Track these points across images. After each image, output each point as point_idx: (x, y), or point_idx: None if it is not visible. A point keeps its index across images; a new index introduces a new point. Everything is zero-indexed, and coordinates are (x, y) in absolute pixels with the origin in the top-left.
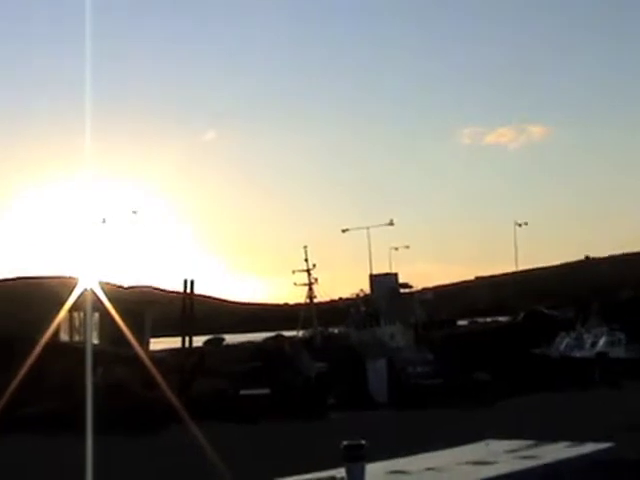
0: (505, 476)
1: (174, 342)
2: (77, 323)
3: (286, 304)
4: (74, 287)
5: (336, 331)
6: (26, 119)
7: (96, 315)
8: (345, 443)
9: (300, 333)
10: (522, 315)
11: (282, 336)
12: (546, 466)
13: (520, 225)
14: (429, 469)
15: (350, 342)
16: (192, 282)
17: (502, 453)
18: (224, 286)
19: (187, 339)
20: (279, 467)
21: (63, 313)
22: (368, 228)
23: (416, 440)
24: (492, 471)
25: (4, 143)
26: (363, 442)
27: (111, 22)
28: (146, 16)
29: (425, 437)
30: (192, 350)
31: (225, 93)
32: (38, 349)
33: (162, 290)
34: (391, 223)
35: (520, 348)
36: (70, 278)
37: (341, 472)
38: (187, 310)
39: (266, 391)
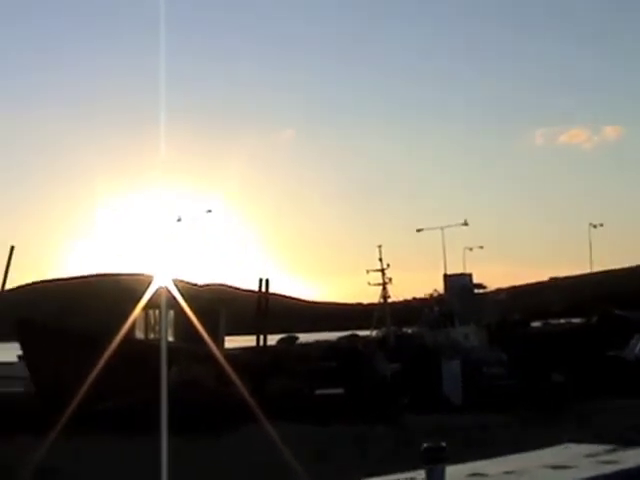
0: None
1: (248, 340)
2: (152, 321)
3: (359, 304)
4: (149, 284)
5: (409, 331)
6: (103, 117)
7: (171, 313)
8: (425, 445)
9: (373, 333)
10: (596, 317)
11: (356, 335)
12: (628, 471)
13: (595, 226)
14: (508, 472)
15: (424, 342)
16: (267, 281)
17: (582, 457)
18: (298, 285)
19: (261, 338)
20: (358, 469)
21: (138, 310)
22: (442, 228)
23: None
24: (573, 475)
25: (83, 140)
26: (444, 444)
27: (186, 19)
28: (222, 13)
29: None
30: (266, 349)
31: (303, 92)
32: (113, 346)
33: (236, 288)
34: (465, 223)
35: (594, 350)
36: (145, 275)
37: (421, 474)
38: (262, 308)
39: (340, 391)
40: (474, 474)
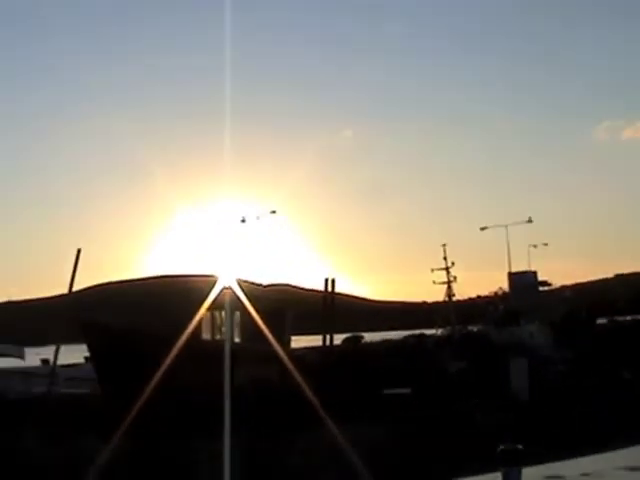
0: None
1: (314, 340)
2: (218, 321)
3: (424, 302)
4: (214, 285)
5: (475, 329)
6: (171, 119)
7: (237, 314)
8: (501, 447)
9: (439, 331)
10: None
11: (424, 335)
12: None
13: None
14: (585, 474)
15: (490, 340)
16: (333, 281)
17: None
18: (362, 284)
19: (328, 338)
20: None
21: (204, 311)
22: (507, 226)
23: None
24: None
25: (151, 142)
26: (520, 446)
27: (251, 21)
28: (284, 13)
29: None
30: (332, 348)
31: (362, 92)
32: (181, 347)
33: (300, 288)
34: (530, 220)
35: None
36: (211, 277)
37: (497, 476)
38: (328, 309)
39: (407, 390)
40: (550, 476)
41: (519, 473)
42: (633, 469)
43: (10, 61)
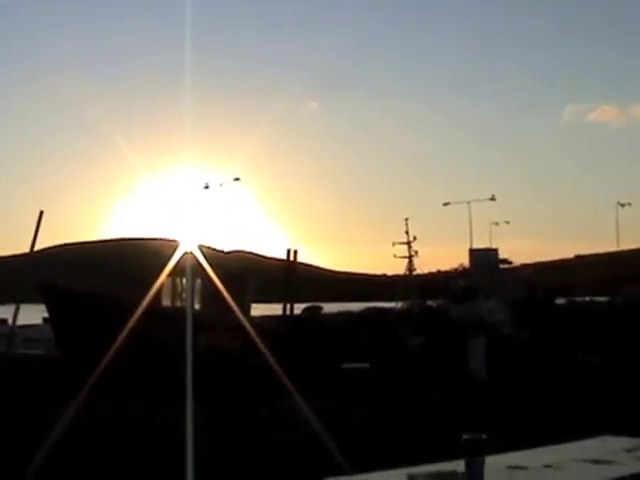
0: (631, 476)
1: (273, 309)
2: (179, 288)
3: (384, 275)
4: (176, 249)
5: (434, 304)
6: (131, 89)
7: (198, 281)
8: (465, 436)
9: (399, 305)
10: (621, 298)
11: (384, 308)
12: None
13: (623, 205)
14: (547, 466)
15: (448, 316)
16: (295, 252)
17: (621, 451)
18: (323, 254)
19: (288, 306)
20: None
21: (165, 277)
22: (469, 202)
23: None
24: (614, 471)
25: (112, 105)
26: (484, 436)
27: None
28: None
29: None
30: (290, 318)
31: (327, 63)
32: (141, 313)
33: (261, 256)
34: (493, 198)
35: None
36: (171, 241)
37: (459, 465)
38: (289, 279)
39: (366, 365)
40: (513, 467)
41: (482, 463)
42: (595, 462)
43: None
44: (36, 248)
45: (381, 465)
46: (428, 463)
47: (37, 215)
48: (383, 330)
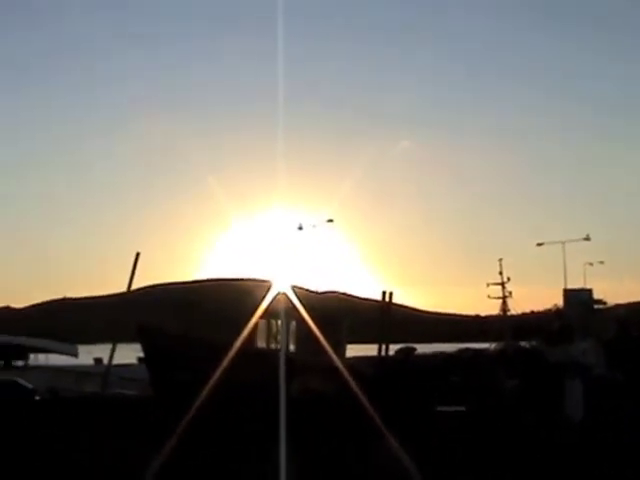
0: None
1: (367, 349)
2: (274, 330)
3: (477, 316)
4: (269, 290)
5: (527, 345)
6: (226, 130)
7: (293, 323)
8: None
9: (492, 346)
10: None
11: (479, 350)
12: None
13: None
14: None
15: (543, 358)
16: (391, 294)
17: None
18: (416, 295)
19: (383, 347)
20: None
21: (259, 318)
22: (564, 242)
23: None
24: None
25: (208, 149)
26: None
27: (307, 25)
28: (338, 20)
29: None
30: (383, 359)
31: (420, 101)
32: (234, 354)
33: (355, 297)
34: (587, 238)
35: None
36: (265, 281)
37: None
38: (385, 321)
39: (462, 408)
40: None
41: None
42: None
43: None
44: (132, 288)
45: None
46: None
47: (134, 256)
48: (478, 372)
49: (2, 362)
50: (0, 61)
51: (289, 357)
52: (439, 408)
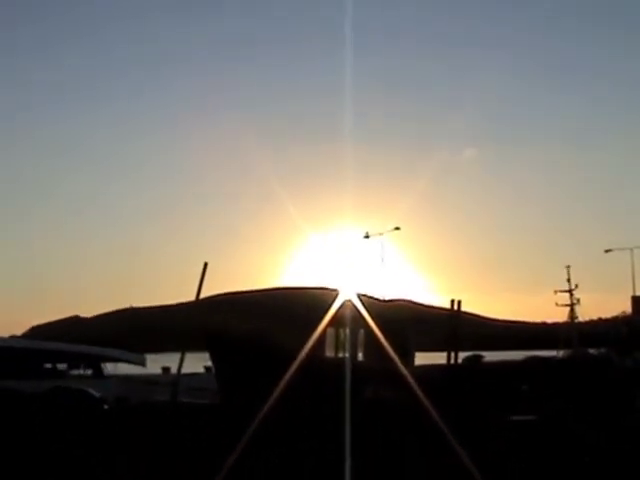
0: None
1: (434, 357)
2: (342, 338)
3: (544, 323)
4: (335, 298)
5: (596, 353)
6: (292, 135)
7: (361, 332)
8: None
9: (560, 354)
10: None
11: (548, 358)
12: None
13: None
14: None
15: (612, 366)
16: (459, 302)
17: None
18: (482, 302)
19: (452, 355)
20: None
21: (327, 326)
22: (632, 249)
23: None
24: None
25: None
26: None
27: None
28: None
29: None
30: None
31: (485, 110)
32: (304, 363)
33: (423, 305)
34: None
35: None
36: (332, 290)
37: None
38: (454, 328)
39: (533, 417)
40: None
41: None
42: None
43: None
44: (201, 297)
45: None
46: None
47: (202, 266)
48: (547, 380)
49: (84, 371)
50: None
51: (358, 365)
52: (512, 417)
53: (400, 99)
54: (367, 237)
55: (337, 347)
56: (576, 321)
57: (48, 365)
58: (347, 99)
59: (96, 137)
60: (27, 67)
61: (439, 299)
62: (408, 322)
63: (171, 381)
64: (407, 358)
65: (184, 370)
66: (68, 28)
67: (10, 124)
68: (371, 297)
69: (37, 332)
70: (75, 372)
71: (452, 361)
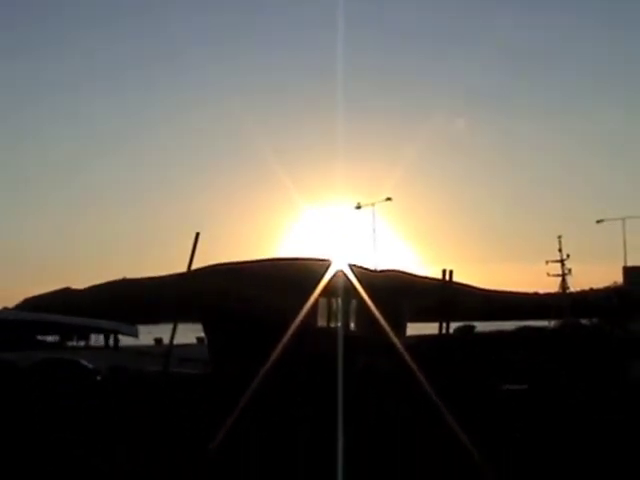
0: None
1: (426, 327)
2: (334, 308)
3: (536, 293)
4: (327, 268)
5: (587, 323)
6: (283, 106)
7: (353, 302)
8: None
9: (551, 324)
10: None
11: (540, 328)
12: None
13: None
14: None
15: (604, 335)
16: (451, 272)
17: None
18: (474, 273)
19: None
20: None
21: (319, 296)
22: (624, 219)
23: None
24: None
25: (264, 128)
26: None
27: (361, 9)
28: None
29: None
30: (447, 338)
31: (476, 81)
32: (294, 333)
33: (414, 275)
34: None
35: None
36: (324, 260)
37: None
38: (445, 298)
39: (524, 387)
40: None
41: None
42: None
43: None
44: (192, 268)
45: None
46: None
47: (194, 236)
48: (540, 350)
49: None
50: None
51: (350, 335)
52: (504, 387)
53: (392, 70)
54: (359, 208)
55: (329, 317)
56: (568, 291)
57: (41, 337)
58: (339, 71)
59: (85, 107)
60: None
61: (431, 269)
62: (400, 292)
63: (163, 352)
64: (399, 328)
65: (176, 341)
66: None
67: None
68: (363, 267)
69: (30, 304)
70: (68, 343)
71: (444, 331)
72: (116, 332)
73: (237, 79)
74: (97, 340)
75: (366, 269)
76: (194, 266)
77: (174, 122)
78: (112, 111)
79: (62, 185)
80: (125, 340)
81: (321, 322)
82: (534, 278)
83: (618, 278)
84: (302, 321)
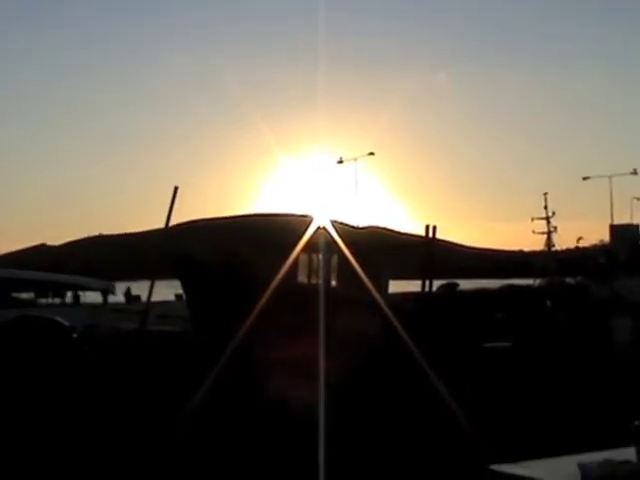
0: None
1: (410, 285)
2: (315, 264)
3: (521, 251)
4: (308, 225)
5: (573, 282)
6: (265, 62)
7: (335, 257)
8: (637, 423)
9: (536, 282)
10: None
11: (521, 286)
12: None
13: None
14: None
15: (589, 294)
16: (434, 228)
17: None
18: (458, 230)
19: (427, 285)
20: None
21: (300, 252)
22: (610, 177)
23: None
24: None
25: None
26: None
27: None
28: None
29: None
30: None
31: (459, 34)
32: (274, 290)
33: (397, 232)
34: (635, 172)
35: None
36: (305, 216)
37: (629, 453)
38: (428, 256)
39: (508, 344)
40: None
41: None
42: None
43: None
44: (171, 224)
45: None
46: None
47: (172, 191)
48: (525, 308)
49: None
50: None
51: (331, 292)
52: (485, 345)
53: (372, 22)
54: (341, 162)
55: (310, 273)
56: (553, 249)
57: (15, 294)
58: (320, 22)
59: (60, 55)
60: None
61: (414, 226)
62: (381, 249)
63: (141, 309)
64: (381, 285)
65: (154, 298)
66: None
67: None
68: (344, 224)
69: (3, 260)
70: (43, 301)
71: (427, 289)
72: (92, 289)
73: (218, 29)
74: (74, 297)
75: (347, 225)
76: (172, 222)
77: (151, 74)
78: (89, 59)
79: (39, 138)
80: (99, 297)
81: (301, 278)
82: (519, 236)
83: (605, 236)
84: (282, 278)
